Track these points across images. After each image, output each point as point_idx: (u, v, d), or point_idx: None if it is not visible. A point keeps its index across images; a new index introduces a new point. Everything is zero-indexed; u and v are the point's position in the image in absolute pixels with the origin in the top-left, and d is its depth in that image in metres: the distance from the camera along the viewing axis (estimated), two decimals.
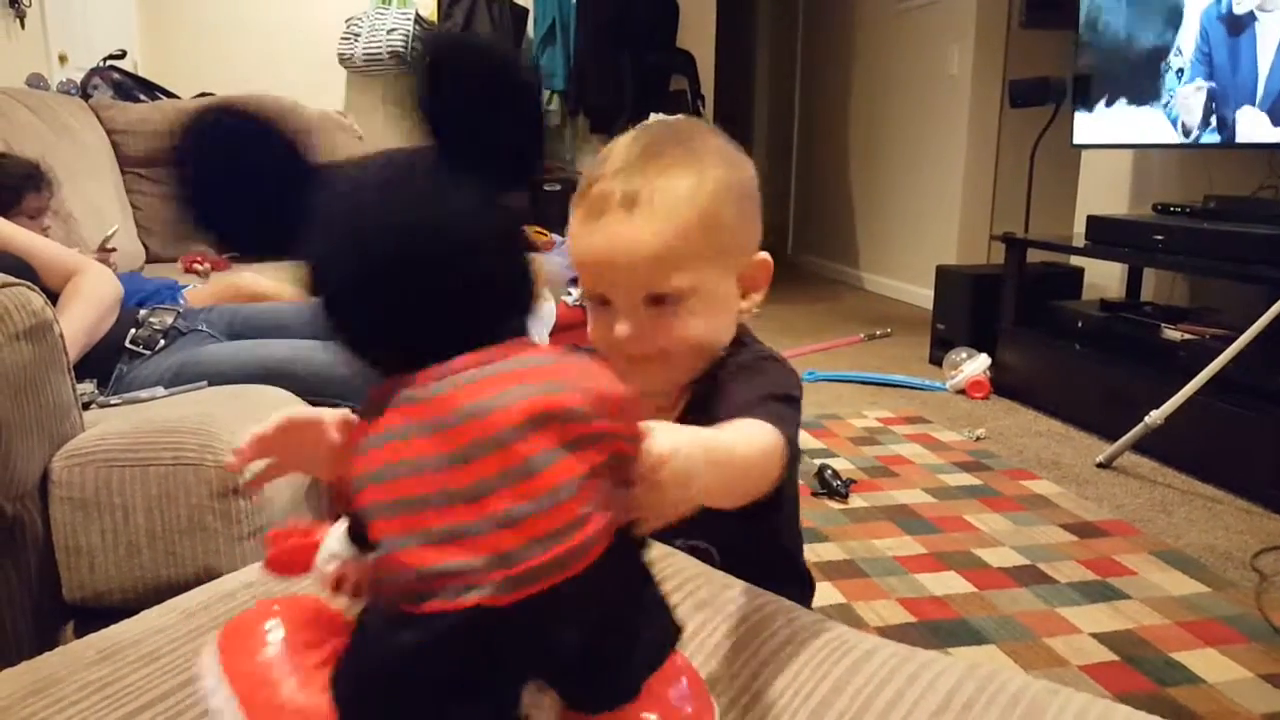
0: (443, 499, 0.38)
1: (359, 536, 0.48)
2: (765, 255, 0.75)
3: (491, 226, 0.43)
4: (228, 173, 0.45)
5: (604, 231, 0.67)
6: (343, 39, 3.77)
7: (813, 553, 1.68)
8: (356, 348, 0.43)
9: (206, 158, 0.45)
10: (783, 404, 0.66)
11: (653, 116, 0.77)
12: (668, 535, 0.76)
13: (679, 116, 0.77)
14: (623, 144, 0.71)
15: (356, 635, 0.42)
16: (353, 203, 0.43)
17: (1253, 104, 2.16)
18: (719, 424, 0.56)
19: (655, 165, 0.67)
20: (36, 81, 2.69)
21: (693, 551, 0.76)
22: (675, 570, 0.66)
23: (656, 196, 0.67)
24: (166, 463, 0.96)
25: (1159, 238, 2.30)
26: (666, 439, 0.43)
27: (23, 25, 2.78)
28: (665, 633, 0.44)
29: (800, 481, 1.61)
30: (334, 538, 0.51)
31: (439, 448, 0.39)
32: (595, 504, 0.39)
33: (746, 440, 0.55)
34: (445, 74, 0.43)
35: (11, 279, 0.93)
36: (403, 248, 0.41)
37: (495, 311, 0.43)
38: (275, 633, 0.49)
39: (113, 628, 0.65)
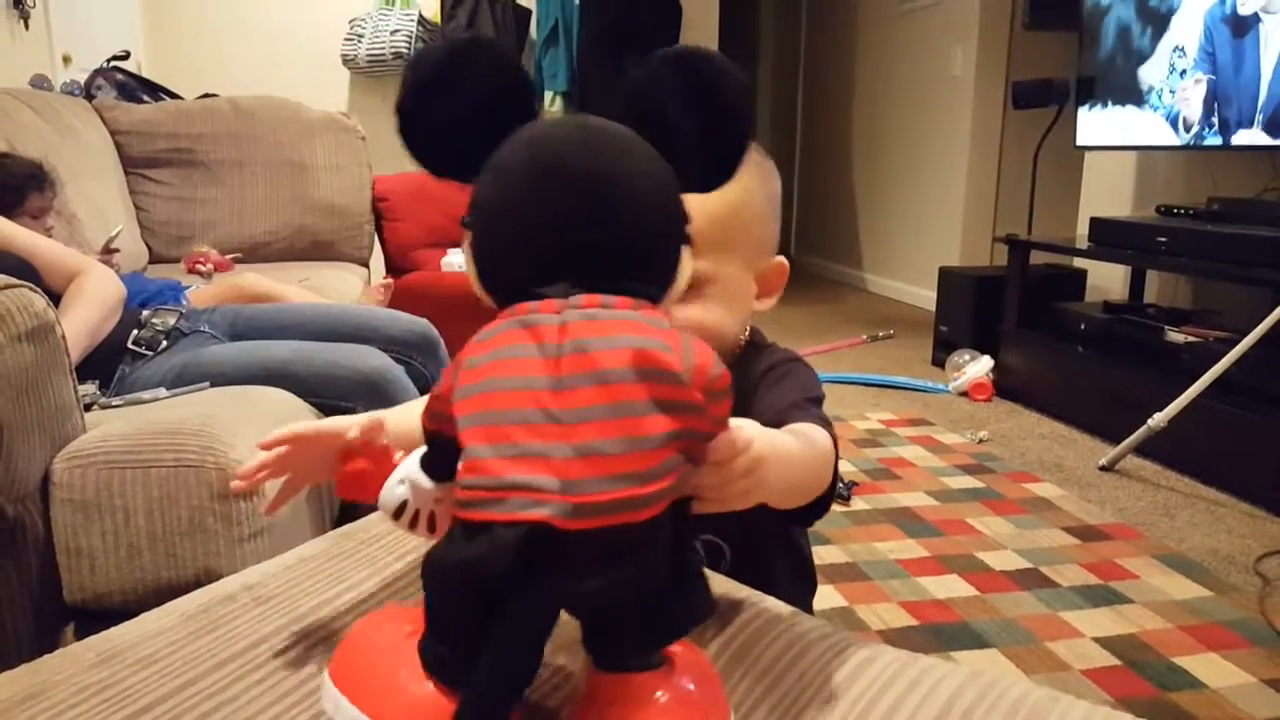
0: (536, 417, 0.40)
1: (434, 465, 0.50)
2: (782, 259, 0.77)
3: (668, 199, 0.46)
4: (465, 92, 0.48)
5: None
6: (346, 40, 3.77)
7: (815, 555, 1.67)
8: (498, 267, 0.45)
9: (447, 77, 0.48)
10: (820, 407, 0.68)
11: None
12: None
13: None
14: None
15: (441, 542, 0.44)
16: (549, 136, 0.46)
17: (1256, 104, 2.15)
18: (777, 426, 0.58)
19: None
20: (40, 82, 2.69)
21: (705, 546, 0.76)
22: None
23: None
24: (168, 464, 0.96)
25: (1162, 240, 2.29)
26: (748, 429, 0.46)
27: (26, 26, 2.78)
28: (699, 603, 0.46)
29: None
30: (407, 466, 0.52)
31: (544, 370, 0.41)
32: (670, 465, 0.41)
33: (809, 443, 0.57)
34: (675, 77, 0.47)
35: (14, 280, 0.93)
36: (583, 179, 0.44)
37: (638, 271, 0.45)
38: (380, 635, 0.48)
39: (111, 630, 0.65)
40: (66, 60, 3.00)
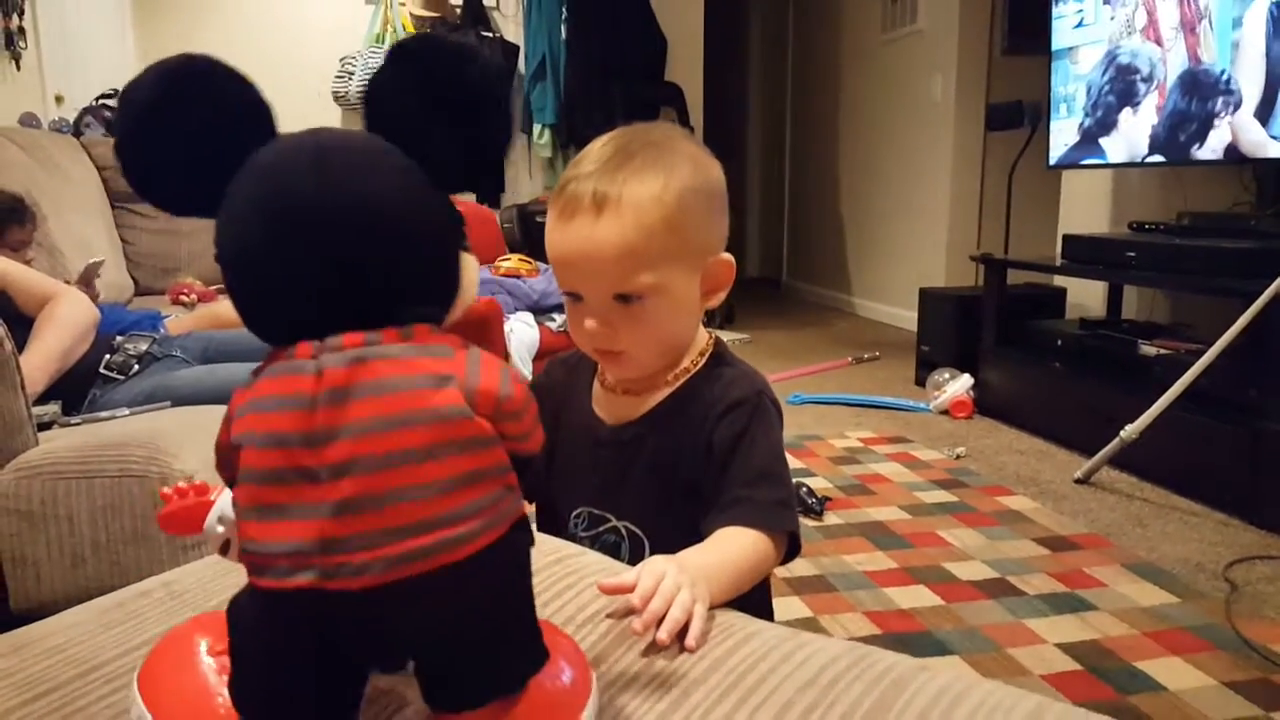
0: (292, 476, 0.38)
1: None
2: (728, 256, 0.77)
3: (422, 209, 0.43)
4: (193, 121, 0.43)
5: (575, 233, 0.70)
6: (336, 77, 3.85)
7: (784, 569, 1.68)
8: (251, 313, 0.43)
9: (176, 103, 0.42)
10: (778, 465, 0.74)
11: None
12: (605, 517, 0.79)
13: (654, 122, 0.79)
14: (597, 146, 0.73)
15: (243, 594, 0.43)
16: (278, 165, 0.42)
17: (1215, 122, 2.18)
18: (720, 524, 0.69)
19: (626, 168, 0.70)
20: (29, 120, 2.76)
21: (629, 534, 0.77)
22: (578, 567, 0.67)
23: (625, 199, 0.69)
24: (112, 474, 0.98)
25: (1132, 255, 2.31)
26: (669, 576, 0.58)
27: (18, 67, 2.85)
28: (528, 660, 0.44)
29: None
30: (222, 504, 0.53)
31: (299, 425, 0.39)
32: (478, 506, 0.39)
33: (733, 559, 0.67)
34: (408, 66, 0.44)
35: None
36: (320, 213, 0.40)
37: (408, 295, 0.42)
38: (198, 646, 0.50)
39: (32, 625, 0.66)
40: (59, 99, 3.07)
